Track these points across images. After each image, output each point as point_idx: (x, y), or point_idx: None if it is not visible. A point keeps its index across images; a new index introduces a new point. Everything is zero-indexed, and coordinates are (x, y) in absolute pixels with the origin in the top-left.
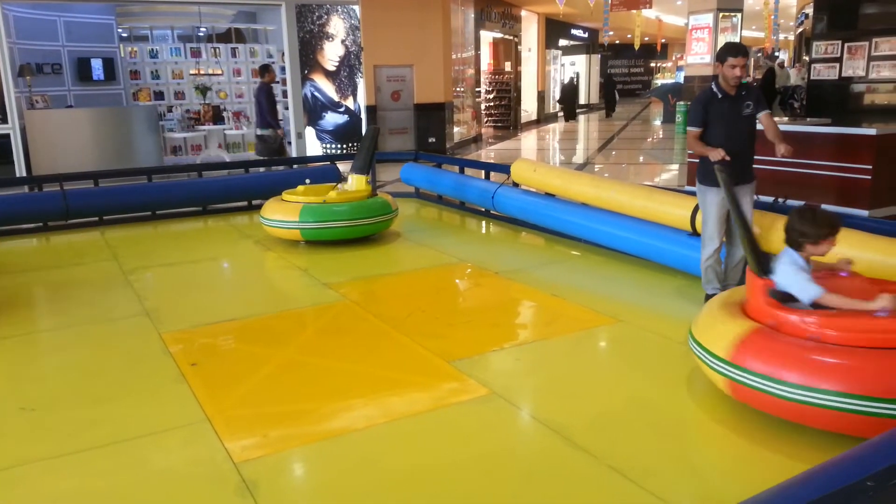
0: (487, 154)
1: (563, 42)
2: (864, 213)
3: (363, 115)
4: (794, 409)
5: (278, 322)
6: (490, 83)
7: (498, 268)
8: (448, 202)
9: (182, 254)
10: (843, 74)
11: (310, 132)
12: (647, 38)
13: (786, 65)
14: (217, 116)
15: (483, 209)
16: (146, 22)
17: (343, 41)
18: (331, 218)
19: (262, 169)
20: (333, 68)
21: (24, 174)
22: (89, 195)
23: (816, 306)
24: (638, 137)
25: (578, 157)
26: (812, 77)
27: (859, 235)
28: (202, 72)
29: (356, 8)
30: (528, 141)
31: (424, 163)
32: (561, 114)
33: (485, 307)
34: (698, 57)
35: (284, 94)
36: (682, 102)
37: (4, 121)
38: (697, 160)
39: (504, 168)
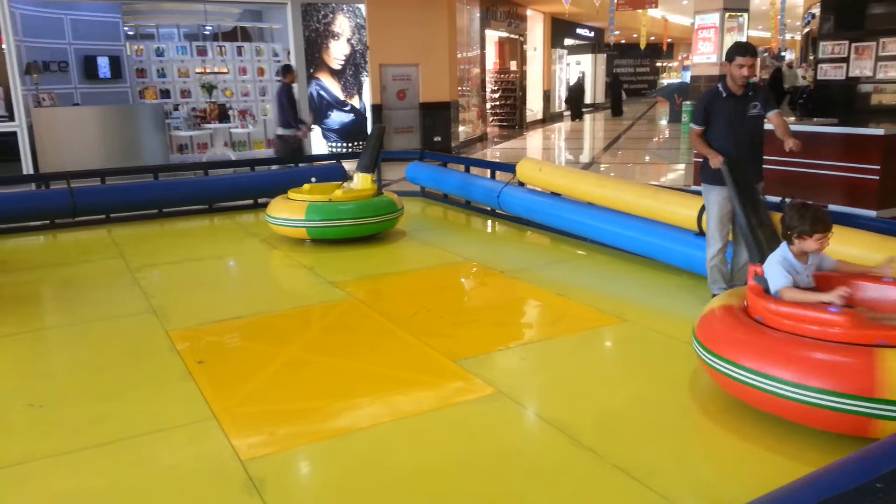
0: (493, 153)
1: (568, 41)
2: (872, 213)
3: (369, 114)
4: (743, 391)
5: (284, 320)
6: (495, 82)
7: (503, 267)
8: (453, 201)
9: (188, 252)
10: (851, 74)
11: (315, 131)
12: (652, 38)
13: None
14: (223, 115)
15: (488, 208)
16: (152, 20)
17: (349, 40)
18: (336, 216)
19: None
20: (339, 67)
21: (32, 172)
22: (96, 193)
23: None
24: (644, 137)
25: (584, 157)
26: (819, 77)
27: (867, 236)
28: (208, 70)
29: (362, 7)
30: (533, 140)
31: (430, 162)
32: (567, 113)
33: (490, 306)
34: (704, 56)
35: (276, 93)
36: (687, 102)
37: (12, 118)
38: (701, 159)
39: (509, 167)
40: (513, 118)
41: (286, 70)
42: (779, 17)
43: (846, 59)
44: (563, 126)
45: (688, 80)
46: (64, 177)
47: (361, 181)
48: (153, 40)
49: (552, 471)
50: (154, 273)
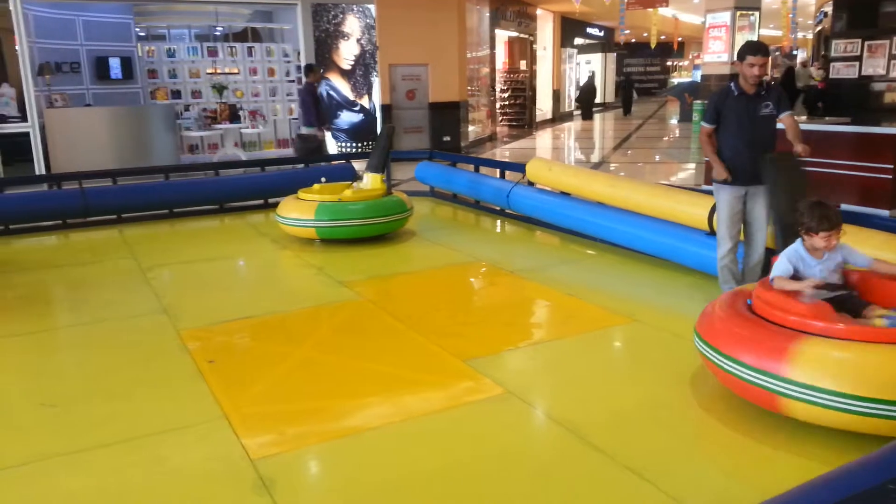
0: (502, 153)
1: (578, 41)
2: (885, 213)
3: (378, 114)
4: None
5: (294, 320)
6: (505, 82)
7: (513, 267)
8: (463, 201)
9: (199, 251)
10: (863, 73)
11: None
12: (663, 37)
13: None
14: (233, 115)
15: (498, 208)
16: (163, 21)
17: (358, 40)
18: (346, 216)
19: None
20: (349, 67)
21: (44, 172)
22: (108, 193)
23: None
24: (654, 136)
25: (594, 156)
26: (831, 76)
27: (881, 235)
28: (219, 71)
29: (371, 7)
30: (543, 140)
31: (439, 161)
32: (577, 112)
33: (500, 306)
34: (715, 55)
35: (300, 92)
36: (698, 101)
37: (24, 119)
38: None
39: (519, 167)
40: (522, 118)
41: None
42: (790, 15)
43: (859, 58)
44: (573, 125)
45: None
46: (76, 177)
47: (371, 181)
48: (164, 41)
49: (562, 471)
50: (165, 273)
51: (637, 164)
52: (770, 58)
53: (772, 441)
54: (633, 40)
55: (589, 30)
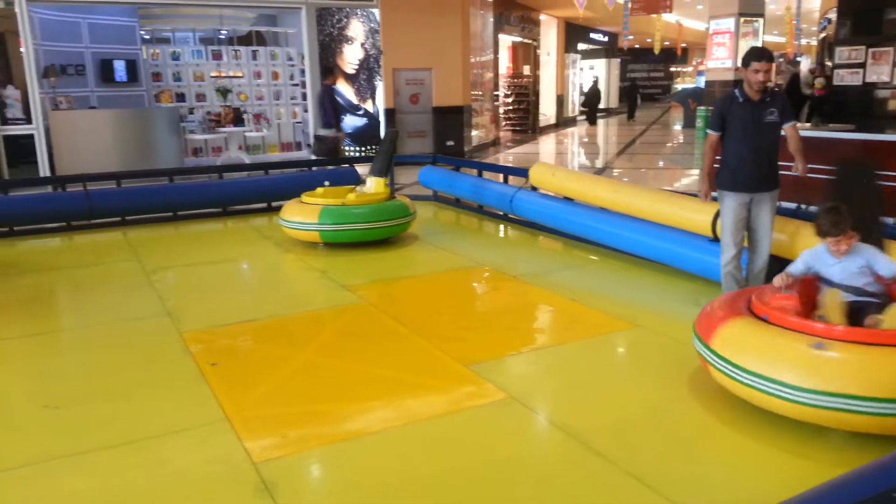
0: (506, 158)
1: (582, 46)
2: (889, 220)
3: (382, 118)
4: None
5: (297, 323)
6: (509, 87)
7: (516, 272)
8: (466, 205)
9: (202, 254)
10: (867, 80)
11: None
12: (667, 43)
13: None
14: (237, 118)
15: (501, 213)
16: (168, 24)
17: (362, 44)
18: (349, 220)
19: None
20: (353, 71)
21: (48, 174)
22: (112, 195)
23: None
24: (658, 142)
25: (598, 162)
26: (835, 83)
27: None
28: (223, 74)
29: (376, 11)
30: (546, 145)
31: (443, 166)
32: (582, 118)
33: (502, 311)
34: (719, 62)
35: (304, 96)
36: (702, 107)
37: (29, 121)
38: (717, 165)
39: (522, 172)
40: (526, 123)
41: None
42: (794, 21)
43: (863, 65)
44: (577, 131)
45: (702, 85)
46: (80, 179)
47: (374, 185)
48: (169, 44)
49: (564, 477)
50: (168, 275)
51: (640, 170)
52: (774, 64)
53: (775, 445)
54: (637, 46)
55: (593, 35)
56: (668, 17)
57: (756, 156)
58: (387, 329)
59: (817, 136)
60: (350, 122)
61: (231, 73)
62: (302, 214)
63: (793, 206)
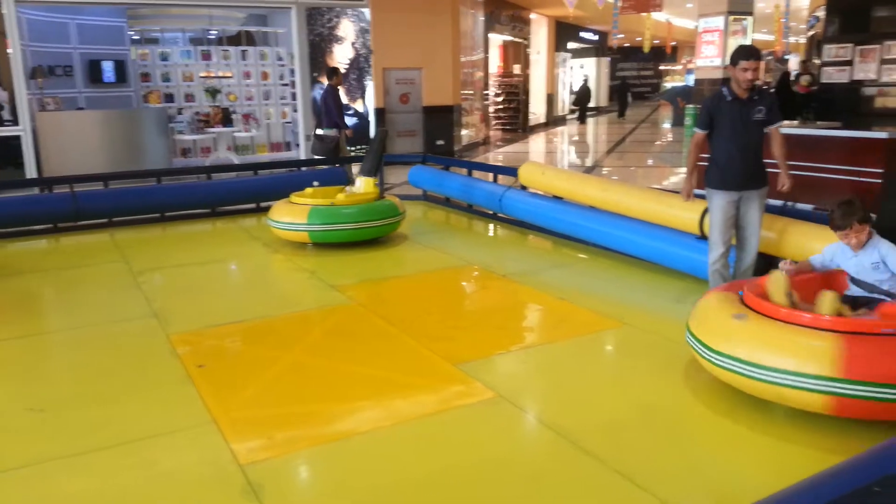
0: (495, 157)
1: (572, 45)
2: (873, 216)
3: (372, 118)
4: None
5: (285, 324)
6: (499, 86)
7: (505, 271)
8: (455, 205)
9: (190, 255)
10: (855, 77)
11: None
12: (657, 41)
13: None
14: (227, 119)
15: (490, 212)
16: (157, 24)
17: (353, 44)
18: (338, 220)
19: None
20: (343, 71)
21: (35, 175)
22: (99, 197)
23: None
24: (647, 140)
25: (587, 160)
26: (823, 80)
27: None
28: (212, 74)
29: (366, 11)
30: (536, 144)
31: (432, 165)
32: (572, 116)
33: (491, 310)
34: (708, 60)
35: (294, 96)
36: (691, 105)
37: (16, 122)
38: (705, 163)
39: (512, 171)
40: (516, 122)
41: (332, 72)
42: (783, 20)
43: (850, 63)
44: (567, 129)
45: (692, 83)
46: (67, 181)
47: (364, 185)
48: (158, 45)
49: (553, 476)
50: (156, 277)
51: (630, 168)
52: (763, 62)
53: (764, 443)
54: (627, 44)
55: (583, 34)
56: (657, 16)
57: (744, 154)
58: (376, 329)
59: (805, 133)
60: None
61: (220, 74)
62: (291, 215)
63: (779, 203)
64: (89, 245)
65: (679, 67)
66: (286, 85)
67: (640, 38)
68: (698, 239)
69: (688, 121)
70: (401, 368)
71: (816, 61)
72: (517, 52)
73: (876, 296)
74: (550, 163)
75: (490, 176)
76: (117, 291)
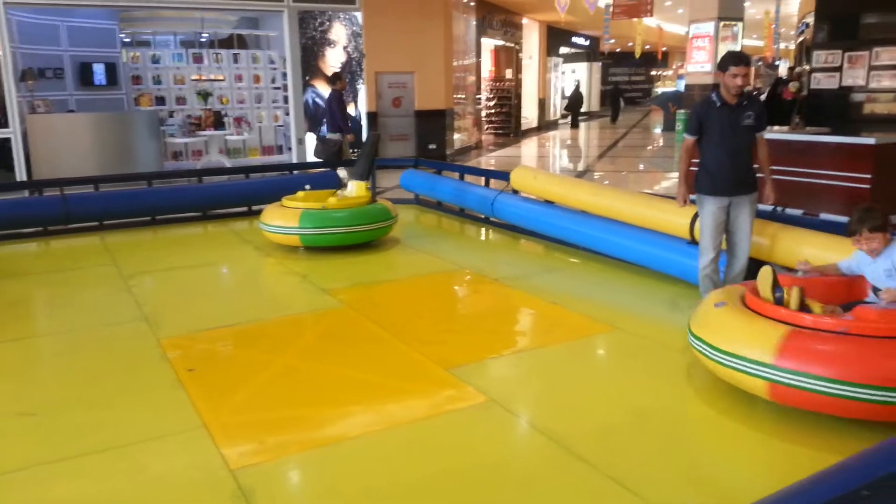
0: (488, 161)
1: (564, 50)
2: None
3: (364, 122)
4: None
5: (276, 328)
6: (491, 90)
7: (497, 275)
8: (447, 209)
9: (181, 259)
10: (844, 84)
11: (311, 138)
12: (648, 46)
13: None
14: (218, 122)
15: (482, 216)
16: (149, 27)
17: (345, 48)
18: (330, 224)
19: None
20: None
21: (25, 178)
22: (90, 200)
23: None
24: (638, 145)
25: (579, 165)
26: (812, 86)
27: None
28: (204, 77)
29: (358, 15)
30: (528, 148)
31: (424, 169)
32: (564, 121)
33: (483, 314)
34: (699, 65)
35: (286, 99)
36: (682, 111)
37: (6, 125)
38: (696, 168)
39: (504, 175)
40: (508, 126)
41: (336, 77)
42: (773, 26)
43: (839, 69)
44: (558, 134)
45: (682, 88)
46: (57, 184)
47: (356, 189)
48: (149, 47)
49: (545, 480)
50: (146, 280)
51: (621, 173)
52: (752, 68)
53: (759, 445)
54: (619, 50)
55: (574, 39)
56: (648, 21)
57: (734, 159)
58: (367, 333)
59: (794, 138)
60: None
61: (212, 77)
62: (283, 218)
63: (769, 208)
64: (79, 248)
65: (670, 73)
66: (278, 88)
67: (631, 44)
68: (689, 244)
69: (679, 126)
70: (392, 372)
71: (806, 67)
72: (509, 57)
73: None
74: (542, 167)
75: (482, 180)
76: (108, 295)
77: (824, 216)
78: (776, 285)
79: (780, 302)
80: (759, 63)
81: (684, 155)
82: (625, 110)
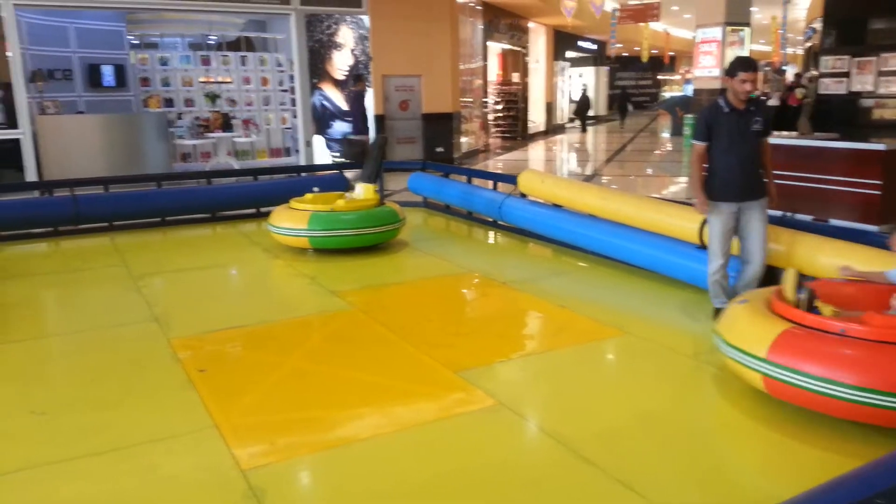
0: (495, 164)
1: (571, 54)
2: (874, 228)
3: (371, 124)
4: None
5: (285, 330)
6: (498, 94)
7: (505, 278)
8: (455, 212)
9: (191, 260)
10: (852, 89)
11: (319, 140)
12: (655, 51)
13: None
14: (226, 124)
15: (490, 219)
16: (157, 29)
17: (352, 51)
18: (339, 226)
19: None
20: (342, 77)
21: (35, 179)
22: (99, 201)
23: None
24: (646, 150)
25: (587, 169)
26: (820, 91)
27: (869, 251)
28: (212, 79)
29: (365, 18)
30: (535, 152)
31: (432, 172)
32: (571, 125)
33: (491, 317)
34: (706, 70)
35: (293, 102)
36: (689, 115)
37: (16, 126)
38: (705, 174)
39: (511, 178)
40: (515, 129)
41: (358, 78)
42: (780, 31)
43: (847, 74)
44: (566, 138)
45: (690, 93)
46: (67, 184)
47: (364, 191)
48: (157, 49)
49: (552, 483)
50: (156, 281)
51: (629, 177)
52: (759, 73)
53: (771, 449)
54: (626, 54)
55: (581, 43)
56: (655, 26)
57: (743, 165)
58: (376, 335)
59: (803, 144)
60: (339, 128)
61: (220, 79)
62: (291, 220)
63: (778, 214)
64: (90, 249)
65: (677, 77)
66: (286, 91)
67: (638, 48)
68: (698, 248)
69: (686, 130)
70: (401, 375)
71: (814, 72)
72: (516, 61)
73: None
74: (550, 171)
75: (490, 183)
76: (118, 295)
77: (834, 222)
78: (801, 287)
79: (805, 304)
80: (767, 68)
81: (696, 161)
82: (632, 114)
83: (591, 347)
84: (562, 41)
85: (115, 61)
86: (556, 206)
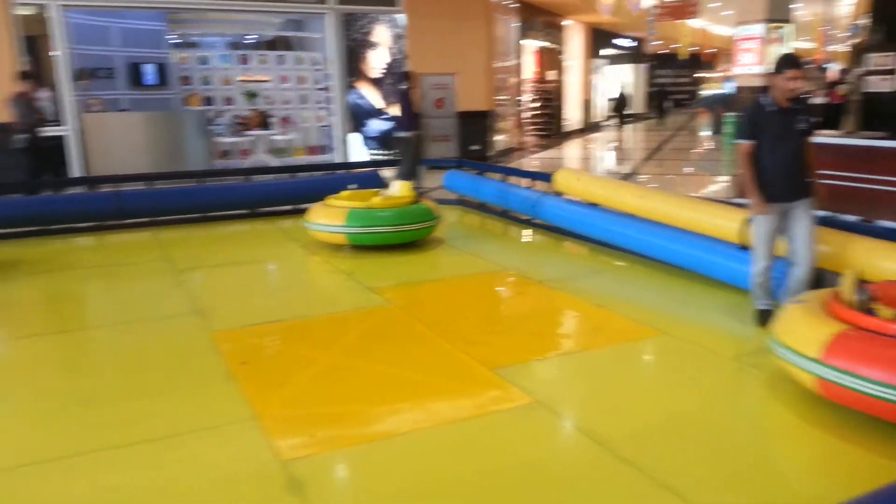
0: (530, 162)
1: (608, 51)
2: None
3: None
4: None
5: (323, 325)
6: (533, 92)
7: (541, 276)
8: (490, 210)
9: (231, 255)
10: None
11: (355, 138)
12: (693, 48)
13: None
14: (264, 122)
15: (525, 217)
16: (197, 29)
17: (388, 49)
18: (376, 223)
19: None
20: (378, 76)
21: (81, 175)
22: (142, 196)
23: None
24: (685, 148)
25: (624, 167)
26: (865, 89)
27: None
28: (250, 78)
29: (400, 17)
30: (571, 150)
31: (467, 170)
32: (608, 122)
33: (528, 315)
34: (747, 68)
35: (330, 100)
36: (730, 113)
37: (62, 123)
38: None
39: (547, 176)
40: (550, 128)
41: (407, 76)
42: (824, 27)
43: (893, 72)
44: (602, 136)
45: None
46: (111, 180)
47: (400, 188)
48: (197, 48)
49: (589, 483)
50: (198, 275)
51: (667, 176)
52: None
53: (807, 455)
54: (664, 51)
55: (618, 41)
56: (693, 23)
57: (789, 165)
58: (412, 332)
59: (850, 143)
60: (375, 126)
61: (258, 77)
62: (329, 217)
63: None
64: (133, 243)
65: (717, 75)
66: (322, 89)
67: (676, 46)
68: (740, 249)
69: (727, 129)
70: (438, 372)
71: (858, 70)
72: (552, 59)
73: None
74: (585, 169)
75: (525, 181)
76: (161, 289)
77: (885, 224)
78: (860, 288)
79: (862, 306)
80: (811, 65)
81: (746, 161)
82: (670, 111)
83: (629, 347)
84: (599, 39)
85: (156, 60)
86: (593, 205)
